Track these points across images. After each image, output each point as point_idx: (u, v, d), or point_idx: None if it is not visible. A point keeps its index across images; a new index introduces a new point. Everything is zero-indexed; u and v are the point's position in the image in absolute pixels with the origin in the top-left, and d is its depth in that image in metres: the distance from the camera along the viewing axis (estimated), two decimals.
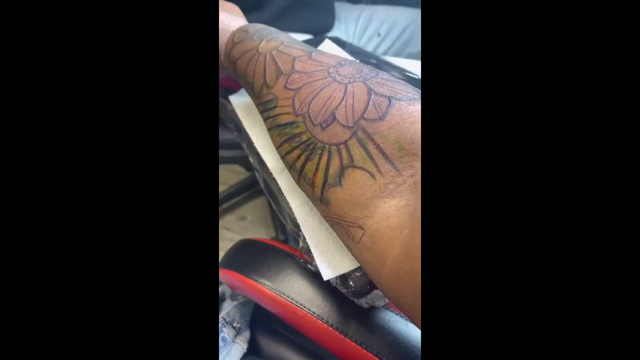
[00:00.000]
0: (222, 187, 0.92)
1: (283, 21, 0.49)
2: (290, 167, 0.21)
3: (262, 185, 0.32)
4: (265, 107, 0.23)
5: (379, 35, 0.59)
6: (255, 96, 0.24)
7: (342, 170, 0.18)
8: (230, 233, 0.88)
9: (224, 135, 0.51)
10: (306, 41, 0.41)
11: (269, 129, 0.23)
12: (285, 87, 0.21)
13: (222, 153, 0.54)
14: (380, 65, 0.35)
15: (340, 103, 0.19)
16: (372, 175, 0.17)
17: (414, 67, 0.36)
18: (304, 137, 0.20)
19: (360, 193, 0.17)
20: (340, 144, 0.18)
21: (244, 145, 0.33)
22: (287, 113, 0.21)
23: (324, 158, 0.19)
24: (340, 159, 0.18)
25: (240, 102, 0.34)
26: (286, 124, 0.21)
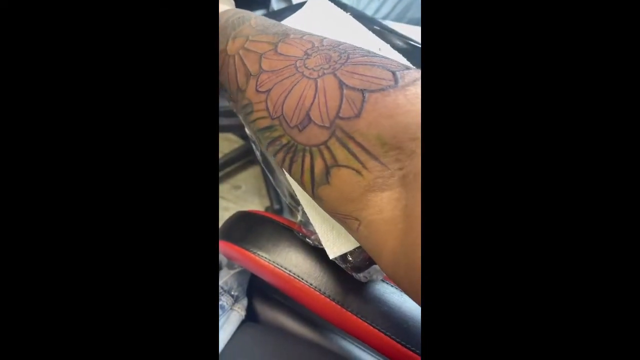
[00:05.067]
0: None
1: None
2: (280, 167, 0.21)
3: (259, 157, 0.31)
4: (243, 112, 0.22)
5: None
6: (233, 101, 0.23)
7: (327, 170, 0.18)
8: (225, 202, 0.88)
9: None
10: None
11: (254, 132, 0.22)
12: (257, 90, 0.20)
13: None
14: (384, 32, 0.33)
15: (312, 102, 0.18)
16: (359, 172, 0.17)
17: (418, 34, 0.34)
18: (284, 141, 0.19)
19: (350, 190, 0.17)
20: (321, 144, 0.18)
21: (240, 116, 0.32)
22: (263, 117, 0.20)
23: (307, 160, 0.18)
24: (324, 159, 0.18)
25: None
26: (265, 129, 0.20)
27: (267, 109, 0.20)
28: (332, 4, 0.34)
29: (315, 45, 0.20)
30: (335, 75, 0.18)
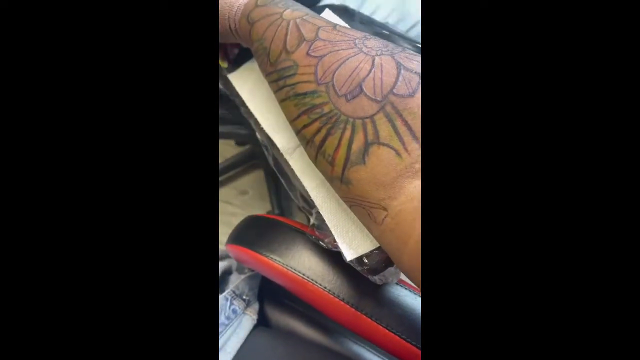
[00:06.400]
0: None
1: None
2: (307, 142, 0.20)
3: (271, 162, 0.31)
4: (281, 75, 0.22)
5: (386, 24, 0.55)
6: (270, 63, 0.23)
7: (366, 147, 0.17)
8: (232, 207, 0.88)
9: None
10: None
11: (284, 100, 0.22)
12: (308, 54, 0.20)
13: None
14: (393, 36, 0.33)
15: (367, 75, 0.18)
16: (398, 154, 0.17)
17: None
18: (326, 109, 0.19)
19: (384, 172, 0.17)
20: (366, 118, 0.17)
21: (251, 122, 0.32)
22: (307, 81, 0.20)
23: (347, 133, 0.18)
24: (365, 135, 0.17)
25: (241, 81, 0.33)
26: (306, 94, 0.20)
27: (316, 73, 0.19)
28: (334, 15, 0.35)
29: (373, 36, 0.21)
30: (393, 57, 0.19)
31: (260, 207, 0.89)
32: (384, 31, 0.33)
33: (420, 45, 0.33)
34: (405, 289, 0.28)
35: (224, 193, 0.91)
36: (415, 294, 0.28)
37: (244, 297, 0.37)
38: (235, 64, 0.34)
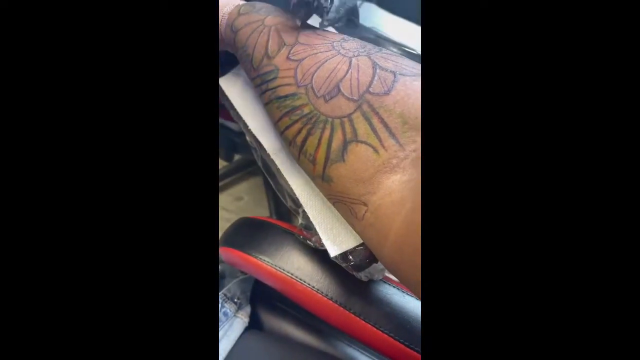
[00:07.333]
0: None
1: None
2: (290, 143, 0.21)
3: (259, 163, 0.32)
4: (264, 79, 0.22)
5: None
6: (254, 68, 0.23)
7: (345, 145, 0.18)
8: (227, 213, 0.88)
9: None
10: None
11: (267, 103, 0.22)
12: (288, 58, 0.21)
13: None
14: (379, 40, 0.34)
15: (345, 76, 0.19)
16: (376, 150, 0.17)
17: (413, 35, 0.35)
18: (306, 110, 0.19)
19: (363, 168, 0.17)
20: (344, 117, 0.18)
21: (240, 124, 0.33)
22: (288, 84, 0.20)
23: (327, 132, 0.19)
24: (344, 133, 0.18)
25: (230, 85, 0.34)
26: (287, 96, 0.20)
27: (295, 76, 0.20)
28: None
29: (351, 37, 0.22)
30: (370, 57, 0.19)
31: (256, 213, 0.89)
32: (370, 35, 0.34)
33: (406, 49, 0.34)
34: (394, 287, 0.28)
35: (220, 199, 0.91)
36: (403, 292, 0.28)
37: (235, 300, 0.37)
38: (225, 69, 0.35)
